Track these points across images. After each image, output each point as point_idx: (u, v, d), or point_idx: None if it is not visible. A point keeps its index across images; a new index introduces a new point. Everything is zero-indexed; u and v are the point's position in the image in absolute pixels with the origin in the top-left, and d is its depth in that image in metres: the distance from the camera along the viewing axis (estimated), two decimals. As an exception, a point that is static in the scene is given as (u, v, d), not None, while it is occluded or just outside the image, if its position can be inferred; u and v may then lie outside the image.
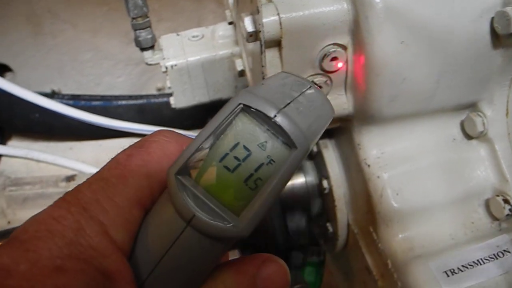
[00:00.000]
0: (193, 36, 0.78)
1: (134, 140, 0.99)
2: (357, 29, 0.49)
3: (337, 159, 0.64)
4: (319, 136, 0.31)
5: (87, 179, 0.30)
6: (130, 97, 1.20)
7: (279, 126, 0.28)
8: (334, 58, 0.51)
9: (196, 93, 0.78)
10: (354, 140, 0.57)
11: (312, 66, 0.51)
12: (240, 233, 0.28)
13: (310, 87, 0.31)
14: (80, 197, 0.28)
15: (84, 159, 1.16)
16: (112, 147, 1.21)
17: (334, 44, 0.50)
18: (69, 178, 1.07)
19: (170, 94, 1.22)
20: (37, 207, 1.05)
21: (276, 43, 0.49)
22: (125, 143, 1.21)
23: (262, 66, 0.49)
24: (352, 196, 0.63)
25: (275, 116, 0.28)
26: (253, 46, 0.55)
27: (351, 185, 0.63)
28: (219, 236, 0.28)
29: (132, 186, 0.30)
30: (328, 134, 0.65)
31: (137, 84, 1.25)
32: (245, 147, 0.28)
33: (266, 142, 0.28)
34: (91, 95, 1.20)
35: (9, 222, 1.05)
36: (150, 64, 0.77)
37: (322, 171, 0.66)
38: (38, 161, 1.16)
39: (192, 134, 1.09)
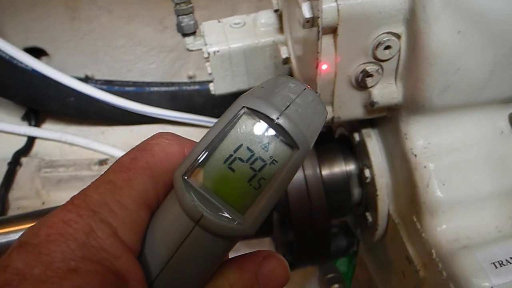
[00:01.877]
0: (235, 23, 0.78)
1: (165, 126, 1.01)
2: (413, 18, 0.49)
3: (380, 148, 0.64)
4: (317, 136, 0.32)
5: (93, 182, 0.31)
6: (161, 84, 1.21)
7: (282, 128, 0.29)
8: (387, 47, 0.51)
9: (236, 80, 0.78)
10: (401, 129, 0.58)
11: (365, 54, 0.51)
12: (246, 231, 0.29)
13: (305, 89, 0.32)
14: (89, 200, 0.29)
15: (115, 144, 1.17)
16: (143, 133, 1.22)
17: (388, 32, 0.50)
18: (102, 162, 1.08)
19: (202, 82, 1.23)
20: (70, 189, 1.07)
21: (332, 30, 0.49)
22: (156, 129, 1.23)
23: (318, 53, 0.49)
24: (394, 186, 0.63)
25: (278, 118, 0.29)
26: (305, 33, 0.56)
27: (394, 175, 0.63)
28: (226, 234, 0.29)
29: (138, 188, 0.30)
30: (371, 123, 0.65)
31: (169, 72, 1.25)
32: (248, 148, 0.29)
33: (268, 143, 0.29)
34: (124, 81, 1.21)
35: (43, 203, 1.07)
36: (191, 50, 0.78)
37: (364, 161, 0.66)
38: (71, 144, 1.18)
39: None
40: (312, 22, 0.48)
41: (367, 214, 0.68)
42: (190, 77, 1.27)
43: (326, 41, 0.49)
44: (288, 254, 0.74)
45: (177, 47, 1.22)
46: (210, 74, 0.77)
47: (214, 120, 1.21)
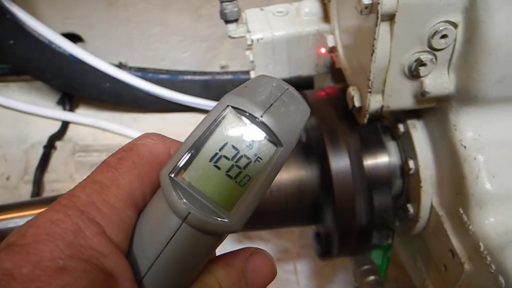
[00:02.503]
0: (278, 12, 0.78)
1: (197, 115, 1.01)
2: (472, 7, 0.48)
3: (425, 139, 0.64)
4: (300, 133, 0.32)
5: (80, 183, 0.31)
6: (194, 73, 1.22)
7: (265, 125, 0.30)
8: (444, 36, 0.50)
9: (278, 68, 0.78)
10: (450, 120, 0.57)
11: (421, 42, 0.51)
12: (233, 227, 0.30)
13: (287, 88, 0.32)
14: (76, 200, 0.29)
15: (147, 131, 1.18)
16: (174, 121, 1.23)
17: (445, 21, 0.50)
18: (135, 148, 1.09)
19: (234, 72, 1.24)
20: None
21: (389, 17, 0.49)
22: (187, 117, 1.24)
23: (374, 39, 0.49)
24: (438, 177, 0.63)
25: (261, 116, 0.30)
26: (358, 21, 0.55)
27: (439, 167, 0.62)
28: (214, 231, 0.30)
29: (125, 188, 0.31)
30: (417, 114, 0.65)
31: (202, 61, 1.26)
32: (233, 147, 0.30)
33: (253, 141, 0.30)
34: (157, 69, 1.22)
35: (76, 187, 1.08)
36: (233, 37, 0.78)
37: (408, 152, 0.66)
38: (104, 130, 1.19)
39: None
40: (370, 8, 0.48)
41: (408, 205, 0.67)
42: (222, 67, 1.27)
43: (383, 29, 0.49)
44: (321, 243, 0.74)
45: (211, 37, 1.23)
46: (252, 61, 0.77)
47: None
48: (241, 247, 0.35)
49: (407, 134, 0.65)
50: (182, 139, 1.07)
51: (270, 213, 0.69)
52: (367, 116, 0.58)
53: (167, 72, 1.20)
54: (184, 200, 0.29)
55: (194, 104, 1.16)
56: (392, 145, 0.69)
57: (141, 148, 0.33)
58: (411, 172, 0.65)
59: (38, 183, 1.06)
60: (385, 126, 0.72)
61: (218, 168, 0.30)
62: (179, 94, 1.15)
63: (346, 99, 0.61)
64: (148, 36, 1.22)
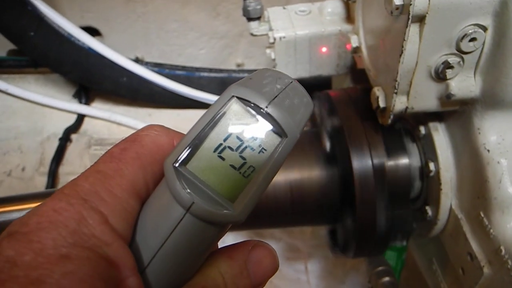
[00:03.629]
0: (300, 11, 0.78)
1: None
2: (503, 11, 0.48)
3: (446, 142, 0.64)
4: (304, 125, 0.32)
5: (83, 173, 0.31)
6: (210, 70, 1.22)
7: (270, 116, 0.30)
8: (472, 39, 0.50)
9: (299, 67, 0.79)
10: (474, 124, 0.57)
11: (449, 45, 0.51)
12: (236, 218, 0.30)
13: (292, 81, 0.32)
14: (79, 189, 0.29)
15: (162, 126, 1.19)
16: (189, 117, 1.24)
17: (475, 24, 0.50)
18: (150, 143, 1.10)
19: (251, 71, 1.24)
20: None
21: (420, 19, 0.49)
22: (202, 114, 1.24)
23: (404, 40, 0.49)
24: (459, 180, 0.63)
25: (267, 106, 0.30)
26: (385, 22, 0.55)
27: (459, 170, 0.62)
28: (217, 221, 0.30)
29: (128, 178, 0.31)
30: (438, 117, 0.65)
31: (218, 58, 1.26)
32: (237, 137, 0.30)
33: (257, 131, 0.30)
34: (173, 65, 1.22)
35: (91, 180, 1.09)
36: (255, 35, 0.78)
37: (428, 154, 0.66)
38: (119, 124, 1.20)
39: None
40: (401, 9, 0.48)
41: (427, 208, 0.67)
42: (238, 65, 1.27)
43: (412, 30, 0.49)
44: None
45: (227, 34, 1.23)
46: (273, 59, 0.77)
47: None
48: (243, 240, 0.35)
49: (429, 136, 0.65)
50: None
51: (289, 211, 0.69)
52: (391, 117, 0.58)
53: (184, 68, 1.21)
54: (188, 190, 0.29)
55: (211, 101, 1.16)
56: (412, 147, 0.69)
57: (145, 139, 0.33)
58: (431, 174, 0.65)
59: (53, 175, 1.07)
60: (405, 128, 0.72)
61: (222, 158, 0.30)
62: (195, 90, 1.15)
63: (370, 99, 0.61)
64: (166, 32, 1.22)
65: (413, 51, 0.51)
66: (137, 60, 1.22)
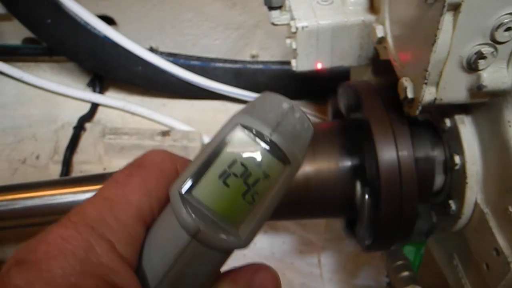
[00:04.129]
0: (323, 0, 0.77)
1: (226, 103, 1.01)
2: (541, 0, 0.47)
3: (473, 135, 0.63)
4: (306, 152, 0.33)
5: (89, 199, 0.32)
6: (225, 61, 1.22)
7: (274, 144, 0.31)
8: (508, 29, 0.49)
9: (320, 57, 0.78)
10: (504, 117, 0.56)
11: (483, 35, 0.50)
12: (241, 244, 0.31)
13: (292, 106, 0.33)
14: (86, 217, 0.30)
15: (176, 117, 1.18)
16: (203, 108, 1.23)
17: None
18: (165, 133, 1.09)
19: (266, 62, 1.23)
20: (132, 157, 1.08)
21: (455, 7, 0.48)
22: (216, 105, 1.23)
23: (438, 29, 0.48)
24: (485, 174, 0.62)
25: (271, 134, 0.31)
26: (418, 11, 0.54)
27: (487, 163, 0.61)
28: (222, 247, 0.31)
29: (134, 204, 0.32)
30: (465, 109, 0.64)
31: (233, 49, 1.25)
32: (242, 164, 0.31)
33: (262, 158, 0.31)
34: (188, 55, 1.21)
35: (104, 169, 1.09)
36: (276, 24, 0.77)
37: (453, 147, 0.65)
38: (133, 114, 1.19)
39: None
40: (437, -3, 0.47)
41: (450, 202, 0.66)
42: (253, 56, 1.26)
43: (446, 19, 0.48)
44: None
45: (243, 25, 1.22)
46: (295, 50, 0.76)
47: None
48: (247, 263, 0.36)
49: (454, 129, 0.64)
50: (210, 127, 1.07)
51: (307, 202, 0.69)
52: (420, 108, 0.57)
53: (198, 58, 1.20)
54: (194, 216, 0.30)
55: (225, 92, 1.16)
56: (435, 140, 0.68)
57: (149, 165, 0.34)
58: (457, 167, 0.64)
59: (67, 163, 1.06)
60: (428, 121, 0.71)
61: (227, 185, 0.30)
62: (210, 81, 1.15)
63: (397, 90, 0.60)
64: (181, 22, 1.21)
65: (446, 41, 0.50)
66: (151, 50, 1.21)
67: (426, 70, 0.52)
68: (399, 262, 0.78)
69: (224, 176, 0.30)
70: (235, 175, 0.30)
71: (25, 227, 0.93)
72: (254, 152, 0.31)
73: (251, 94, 1.18)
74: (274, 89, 1.16)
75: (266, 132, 0.31)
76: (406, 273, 0.76)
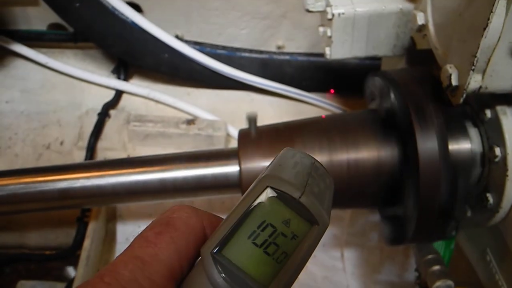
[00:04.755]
0: (359, -13, 0.76)
1: (251, 94, 1.00)
2: None
3: (515, 126, 0.61)
4: (330, 209, 0.34)
5: (120, 258, 0.32)
6: (251, 51, 1.20)
7: (303, 205, 0.32)
8: (563, 14, 0.48)
9: (355, 46, 0.76)
10: (550, 108, 0.55)
11: (537, 19, 0.48)
12: None
13: (314, 162, 0.35)
14: (119, 277, 0.30)
15: (201, 106, 1.17)
16: (228, 98, 1.22)
17: None
18: (190, 122, 1.08)
19: (292, 53, 1.22)
20: (157, 145, 1.07)
21: (509, -9, 0.46)
22: (241, 95, 1.22)
23: (491, 12, 0.47)
24: (526, 167, 0.60)
25: (300, 197, 0.32)
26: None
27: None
28: None
29: (165, 263, 0.32)
30: (507, 100, 0.62)
31: (259, 39, 1.24)
32: (271, 225, 0.32)
33: (290, 219, 0.32)
34: (214, 44, 1.20)
35: (128, 156, 1.08)
36: (311, 11, 0.76)
37: (493, 139, 0.63)
38: (158, 102, 1.18)
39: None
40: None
41: (488, 195, 0.65)
42: (278, 47, 1.25)
43: (501, 2, 0.47)
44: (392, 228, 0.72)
45: (270, 15, 1.20)
46: (330, 37, 0.75)
47: (302, 92, 1.19)
48: None
49: (495, 120, 0.62)
50: (235, 117, 1.06)
51: (345, 191, 0.68)
52: (464, 96, 0.56)
53: (224, 48, 1.19)
54: (224, 276, 0.31)
55: (251, 82, 1.14)
56: (474, 132, 0.67)
57: (177, 222, 0.34)
58: (497, 160, 0.62)
59: (91, 149, 1.06)
60: (466, 112, 0.69)
61: (256, 245, 0.31)
62: (236, 70, 1.14)
63: (440, 78, 0.59)
64: (208, 10, 1.20)
65: (498, 26, 0.49)
66: (177, 38, 1.20)
67: (475, 56, 0.51)
68: (430, 256, 0.77)
69: (254, 237, 0.31)
70: (264, 235, 0.32)
71: (48, 210, 0.94)
72: (283, 213, 0.32)
73: (277, 85, 1.17)
74: (300, 80, 1.15)
75: (295, 195, 0.32)
76: (437, 267, 0.75)
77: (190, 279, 0.33)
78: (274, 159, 0.35)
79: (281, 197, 0.33)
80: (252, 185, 0.34)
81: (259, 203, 0.32)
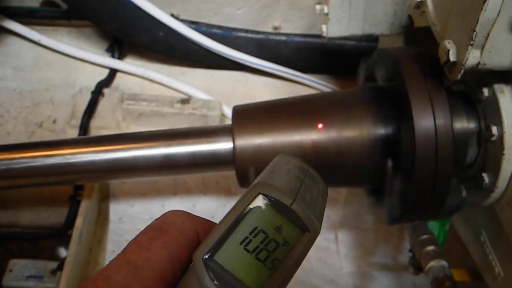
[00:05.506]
0: (357, -36, 0.75)
1: (246, 74, 0.98)
2: None
3: (512, 105, 0.61)
4: (323, 216, 0.34)
5: (113, 263, 0.32)
6: (247, 31, 1.19)
7: (294, 213, 0.32)
8: None
9: (352, 24, 0.75)
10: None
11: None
12: None
13: (308, 169, 0.35)
14: (112, 282, 0.30)
15: (195, 86, 1.16)
16: (223, 78, 1.21)
17: None
18: (184, 101, 1.07)
19: (288, 34, 1.20)
20: (150, 124, 1.06)
21: (510, -38, 0.45)
22: (236, 76, 1.21)
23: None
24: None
25: (291, 204, 0.32)
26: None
27: (525, 135, 0.59)
28: None
29: (157, 269, 0.32)
30: (504, 78, 0.62)
31: (256, 19, 1.22)
32: (262, 231, 0.32)
33: (281, 226, 0.32)
34: (209, 24, 1.19)
35: (122, 135, 1.07)
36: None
37: (490, 118, 0.63)
38: (152, 81, 1.17)
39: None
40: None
41: (484, 175, 0.65)
42: (275, 28, 1.23)
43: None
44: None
45: (268, -6, 1.19)
46: (326, 14, 0.74)
47: (298, 73, 1.18)
48: None
49: (493, 98, 0.62)
50: (230, 98, 1.05)
51: (337, 169, 0.67)
52: (462, 72, 0.55)
53: (220, 27, 1.17)
54: (216, 283, 0.31)
55: (247, 62, 1.13)
56: (470, 111, 0.66)
57: (171, 227, 0.34)
58: (493, 138, 0.62)
59: (84, 128, 1.05)
60: (462, 91, 0.69)
61: (248, 251, 0.32)
62: (232, 50, 1.12)
63: (438, 54, 0.58)
64: (204, -11, 1.18)
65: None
66: (172, 17, 1.18)
67: (474, 30, 0.50)
68: (424, 237, 0.77)
69: (246, 243, 0.32)
70: (256, 241, 0.32)
71: (42, 186, 0.93)
72: (275, 220, 0.32)
73: (273, 66, 1.16)
74: (296, 61, 1.14)
75: (287, 202, 0.32)
76: (431, 248, 0.75)
77: (182, 284, 0.33)
78: (268, 165, 0.36)
79: (273, 204, 0.33)
80: (245, 191, 0.34)
81: (251, 210, 0.33)
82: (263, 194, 0.33)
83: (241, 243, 0.32)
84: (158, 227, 0.35)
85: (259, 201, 0.33)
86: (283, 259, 0.32)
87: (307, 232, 0.32)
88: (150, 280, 0.31)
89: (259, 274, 0.31)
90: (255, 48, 1.16)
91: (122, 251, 0.33)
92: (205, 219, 0.37)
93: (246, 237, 0.32)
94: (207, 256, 0.32)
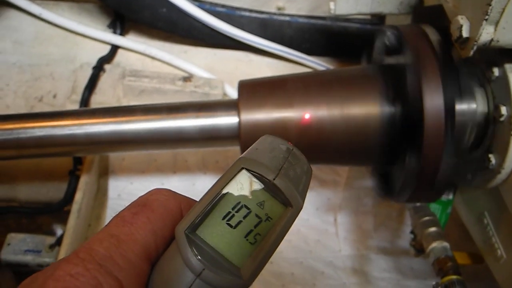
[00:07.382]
0: None
1: (249, 54, 0.97)
2: None
3: (523, 85, 0.60)
4: (306, 194, 0.34)
5: (96, 236, 0.32)
6: (250, 11, 1.18)
7: (277, 187, 0.32)
8: None
9: (360, 1, 0.74)
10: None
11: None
12: (244, 284, 0.32)
13: (292, 149, 0.35)
14: (94, 254, 0.30)
15: (198, 64, 1.15)
16: (225, 57, 1.20)
17: None
18: (186, 79, 1.06)
19: (292, 15, 1.19)
20: (152, 101, 1.05)
21: None
22: (239, 56, 1.20)
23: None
24: (532, 126, 0.59)
25: (274, 179, 0.32)
26: None
27: (535, 115, 0.59)
28: (226, 287, 0.32)
29: (140, 243, 0.32)
30: (515, 59, 0.61)
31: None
32: (245, 206, 0.32)
33: (264, 201, 0.33)
34: (212, 2, 1.17)
35: (123, 111, 1.06)
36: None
37: (500, 98, 0.62)
38: (154, 58, 1.16)
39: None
40: None
41: (490, 156, 0.64)
42: (279, 8, 1.22)
43: None
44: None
45: (273, -27, 1.17)
46: (335, -9, 0.73)
47: (301, 55, 1.17)
48: None
49: (503, 78, 0.61)
50: (232, 77, 1.04)
51: (344, 148, 0.66)
52: (474, 48, 0.54)
53: (224, 6, 1.16)
54: (199, 257, 0.31)
55: (250, 42, 1.12)
56: (479, 91, 0.66)
57: (155, 203, 0.35)
58: (502, 119, 0.61)
59: (85, 103, 1.03)
60: (471, 71, 0.68)
61: (231, 226, 0.32)
62: (236, 29, 1.11)
63: (450, 30, 0.57)
64: (208, -34, 1.17)
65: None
66: (175, -5, 1.17)
67: (489, 5, 0.49)
68: (426, 218, 0.76)
69: (228, 218, 0.32)
70: (238, 216, 0.32)
71: (41, 157, 0.92)
72: (257, 195, 0.33)
73: (276, 46, 1.14)
74: (300, 42, 1.13)
75: (270, 176, 0.32)
76: (433, 229, 0.74)
77: (164, 258, 0.34)
78: (253, 144, 0.36)
79: (256, 179, 0.33)
80: (228, 167, 0.34)
81: (234, 185, 0.33)
82: (246, 169, 0.33)
83: (223, 218, 0.32)
84: (142, 203, 0.35)
85: (243, 176, 0.33)
86: (266, 234, 0.32)
87: (289, 207, 0.33)
88: (132, 253, 0.32)
89: (241, 248, 0.32)
90: (258, 28, 1.15)
91: (106, 225, 0.33)
92: (189, 198, 0.37)
93: (229, 212, 0.32)
94: (189, 230, 0.32)
